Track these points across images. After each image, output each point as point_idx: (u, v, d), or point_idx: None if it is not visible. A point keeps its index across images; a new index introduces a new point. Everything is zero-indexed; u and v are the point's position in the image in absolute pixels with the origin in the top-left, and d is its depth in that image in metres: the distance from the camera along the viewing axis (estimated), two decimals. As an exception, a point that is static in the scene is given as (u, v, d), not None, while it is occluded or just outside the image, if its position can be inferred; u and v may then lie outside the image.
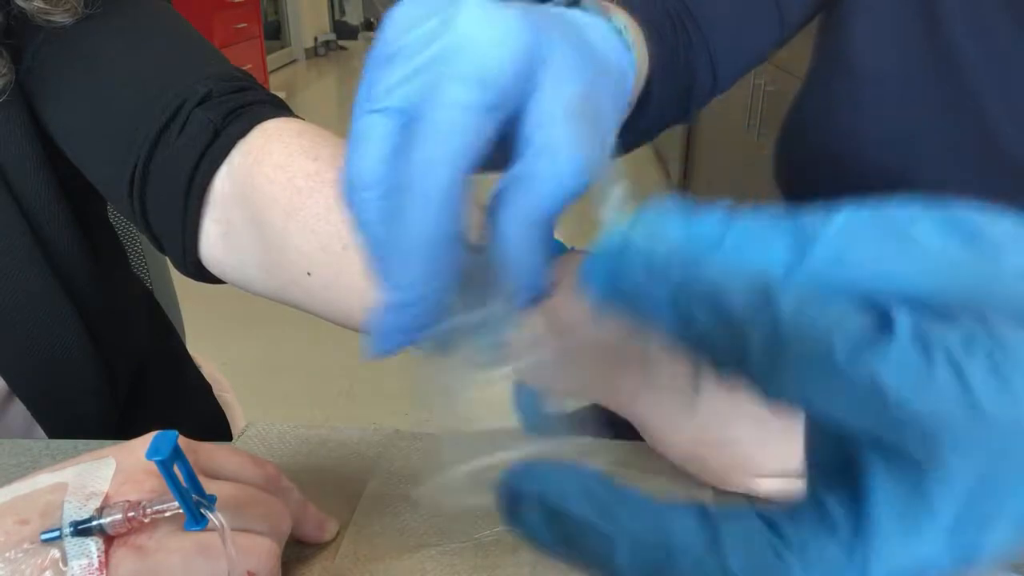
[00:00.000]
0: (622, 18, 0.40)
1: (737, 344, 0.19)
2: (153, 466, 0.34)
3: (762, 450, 0.42)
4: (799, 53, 0.60)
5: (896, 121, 0.55)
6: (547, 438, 0.49)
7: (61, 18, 0.52)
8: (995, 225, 0.19)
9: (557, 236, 0.48)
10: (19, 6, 0.52)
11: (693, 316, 0.19)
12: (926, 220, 0.19)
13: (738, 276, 0.19)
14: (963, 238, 0.19)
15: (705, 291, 0.19)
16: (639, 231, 0.21)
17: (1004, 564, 0.42)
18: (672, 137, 3.43)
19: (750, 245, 0.20)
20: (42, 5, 0.52)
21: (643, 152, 4.22)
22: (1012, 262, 0.19)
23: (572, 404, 0.48)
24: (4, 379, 0.60)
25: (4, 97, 0.53)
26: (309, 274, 0.47)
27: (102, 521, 0.35)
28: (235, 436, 0.52)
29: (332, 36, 7.63)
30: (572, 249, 0.43)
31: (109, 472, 0.37)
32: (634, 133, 0.55)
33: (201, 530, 0.36)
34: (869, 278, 0.19)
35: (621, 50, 0.34)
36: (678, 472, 0.44)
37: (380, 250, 0.27)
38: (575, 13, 0.33)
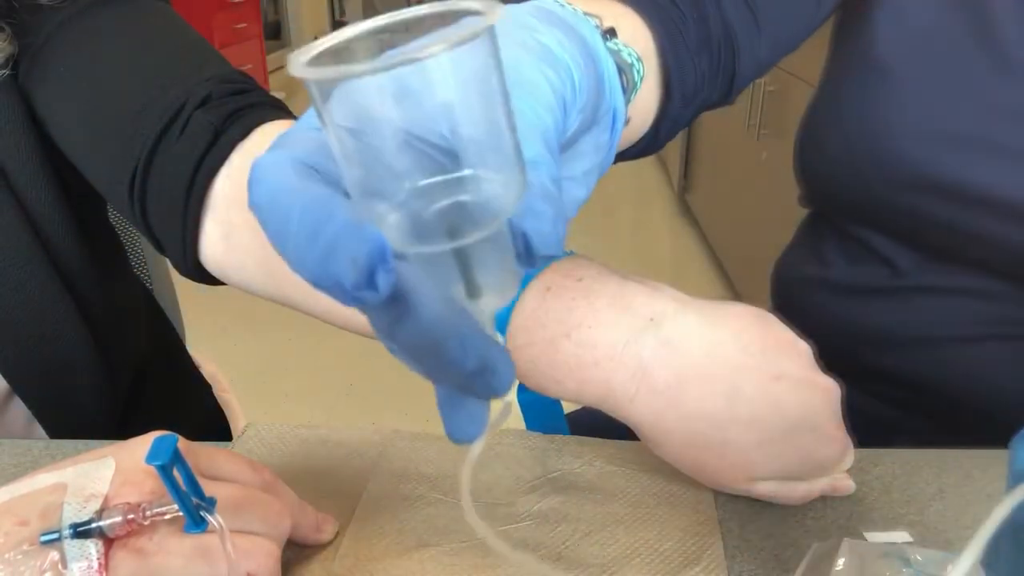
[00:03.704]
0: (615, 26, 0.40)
1: None
2: (152, 466, 0.34)
3: (756, 452, 0.41)
4: (799, 54, 0.60)
5: (939, 120, 0.55)
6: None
7: None
8: None
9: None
10: None
11: None
12: None
13: None
14: None
15: None
16: None
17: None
18: (672, 137, 3.42)
19: None
20: None
21: (643, 152, 4.21)
22: None
23: (570, 405, 0.48)
24: (5, 379, 0.60)
25: (6, 72, 0.53)
26: None
27: (102, 523, 0.35)
28: (235, 436, 0.52)
29: (332, 36, 7.61)
30: (570, 254, 0.43)
31: (108, 473, 0.37)
32: (666, 129, 0.53)
33: (201, 532, 0.36)
34: None
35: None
36: (676, 471, 0.44)
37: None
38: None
